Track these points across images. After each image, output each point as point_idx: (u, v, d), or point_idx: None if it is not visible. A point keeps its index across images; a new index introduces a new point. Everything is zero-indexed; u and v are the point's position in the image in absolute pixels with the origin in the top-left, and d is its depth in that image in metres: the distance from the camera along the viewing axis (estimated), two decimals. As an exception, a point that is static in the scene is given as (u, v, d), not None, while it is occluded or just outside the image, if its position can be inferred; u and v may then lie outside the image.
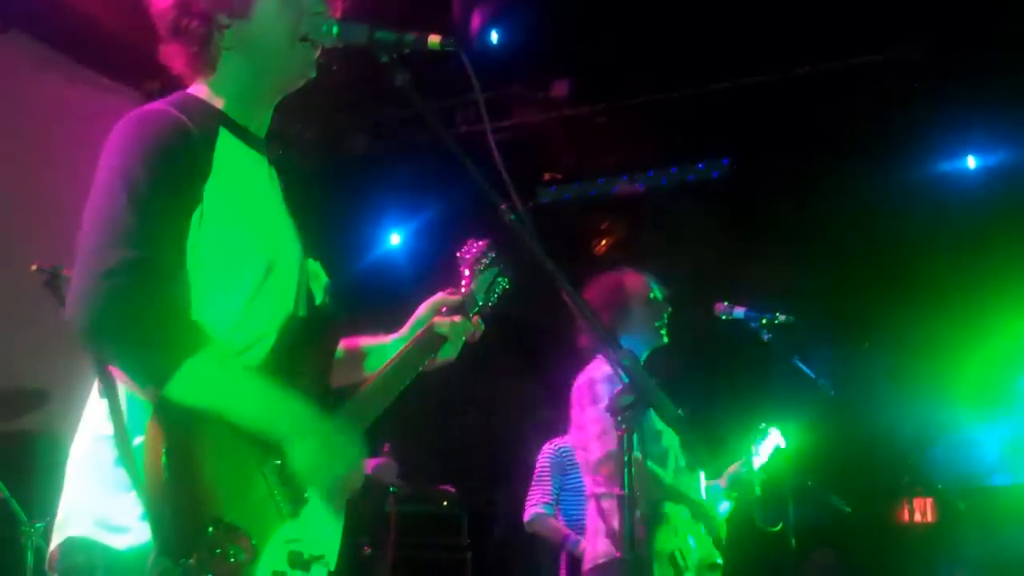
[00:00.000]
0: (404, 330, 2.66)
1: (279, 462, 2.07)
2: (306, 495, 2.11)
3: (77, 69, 6.46)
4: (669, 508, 4.22)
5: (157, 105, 2.21)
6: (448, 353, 2.63)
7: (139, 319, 1.94)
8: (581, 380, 4.41)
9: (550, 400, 6.95)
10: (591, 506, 4.36)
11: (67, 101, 6.28)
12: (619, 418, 2.32)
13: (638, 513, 4.12)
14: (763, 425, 4.88)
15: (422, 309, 2.68)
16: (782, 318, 4.69)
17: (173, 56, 2.33)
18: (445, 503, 6.65)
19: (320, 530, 2.15)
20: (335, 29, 2.27)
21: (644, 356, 4.44)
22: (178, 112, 2.17)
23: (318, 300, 2.37)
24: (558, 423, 6.18)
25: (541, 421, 7.14)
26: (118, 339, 1.95)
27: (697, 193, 7.53)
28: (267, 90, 2.36)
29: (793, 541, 4.78)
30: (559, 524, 5.80)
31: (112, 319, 1.93)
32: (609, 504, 4.23)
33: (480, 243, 2.80)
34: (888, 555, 6.70)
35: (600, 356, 4.42)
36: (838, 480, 5.67)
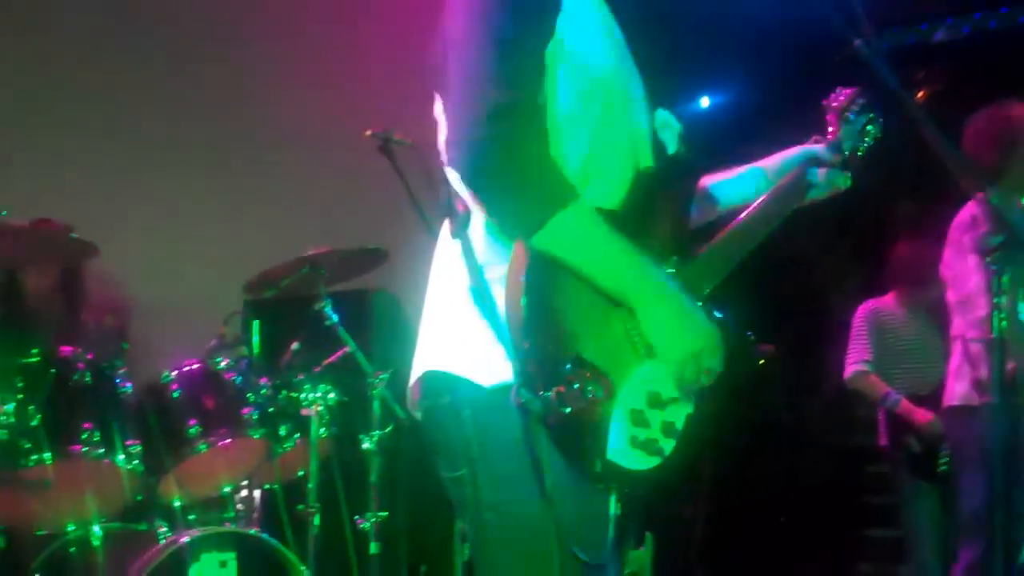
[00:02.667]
0: (765, 163, 2.60)
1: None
2: None
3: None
4: None
5: None
6: (815, 196, 2.55)
7: (515, 167, 1.95)
8: (963, 216, 4.23)
9: (867, 260, 6.77)
10: (957, 347, 4.24)
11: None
12: (988, 259, 2.20)
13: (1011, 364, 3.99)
14: None
15: (791, 153, 2.60)
16: None
17: None
18: (763, 361, 6.60)
19: None
20: None
21: None
22: None
23: (671, 149, 2.31)
24: (875, 284, 6.05)
25: (858, 281, 6.96)
26: (494, 186, 1.97)
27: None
28: None
29: None
30: (879, 381, 5.70)
31: (489, 166, 1.95)
32: (978, 349, 4.09)
33: (848, 90, 2.66)
34: None
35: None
36: None
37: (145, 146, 5.61)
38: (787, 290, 7.17)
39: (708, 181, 2.60)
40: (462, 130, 1.98)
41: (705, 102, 7.98)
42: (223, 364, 4.29)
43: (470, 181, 1.99)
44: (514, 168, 1.95)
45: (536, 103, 2.02)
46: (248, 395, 4.27)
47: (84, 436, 3.82)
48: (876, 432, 5.78)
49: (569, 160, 2.10)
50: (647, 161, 2.25)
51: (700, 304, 2.15)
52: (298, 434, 4.39)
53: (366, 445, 4.52)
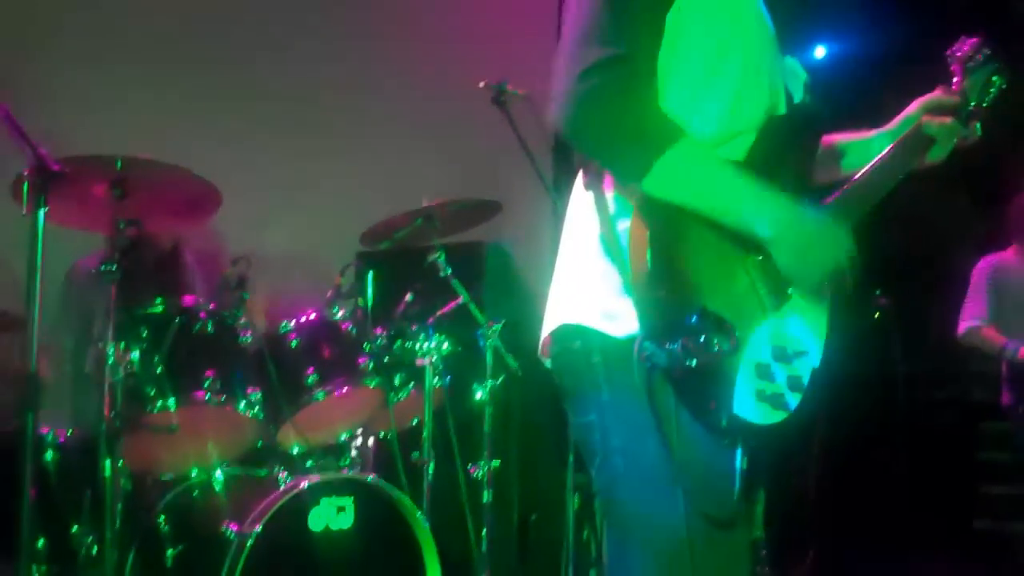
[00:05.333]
0: (890, 126, 2.53)
1: (761, 257, 2.06)
2: (789, 291, 2.09)
3: None
4: None
5: None
6: (936, 155, 2.48)
7: (614, 115, 1.96)
8: None
9: (986, 215, 6.60)
10: None
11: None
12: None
13: None
14: None
15: (912, 108, 2.52)
16: None
17: None
18: (877, 315, 6.50)
19: (804, 325, 2.12)
20: None
21: None
22: None
23: (797, 98, 2.28)
24: (994, 238, 5.90)
25: (976, 235, 6.80)
26: (595, 137, 1.99)
27: None
28: None
29: None
30: (995, 333, 5.57)
31: (588, 118, 1.96)
32: None
33: (972, 40, 2.57)
34: None
35: None
36: None
37: (261, 98, 5.68)
38: (903, 243, 7.04)
39: (837, 140, 2.56)
40: (561, 86, 2.00)
41: (820, 52, 7.72)
42: (340, 314, 4.35)
43: (568, 136, 2.01)
44: (609, 119, 1.96)
45: (644, 58, 2.01)
46: (364, 345, 4.32)
47: (207, 384, 3.92)
48: (992, 388, 5.67)
49: (698, 109, 2.09)
50: (781, 109, 2.23)
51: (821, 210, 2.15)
52: (412, 384, 4.44)
53: (479, 395, 4.57)
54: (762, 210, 2.03)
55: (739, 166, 2.07)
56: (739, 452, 2.03)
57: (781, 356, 2.04)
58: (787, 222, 2.04)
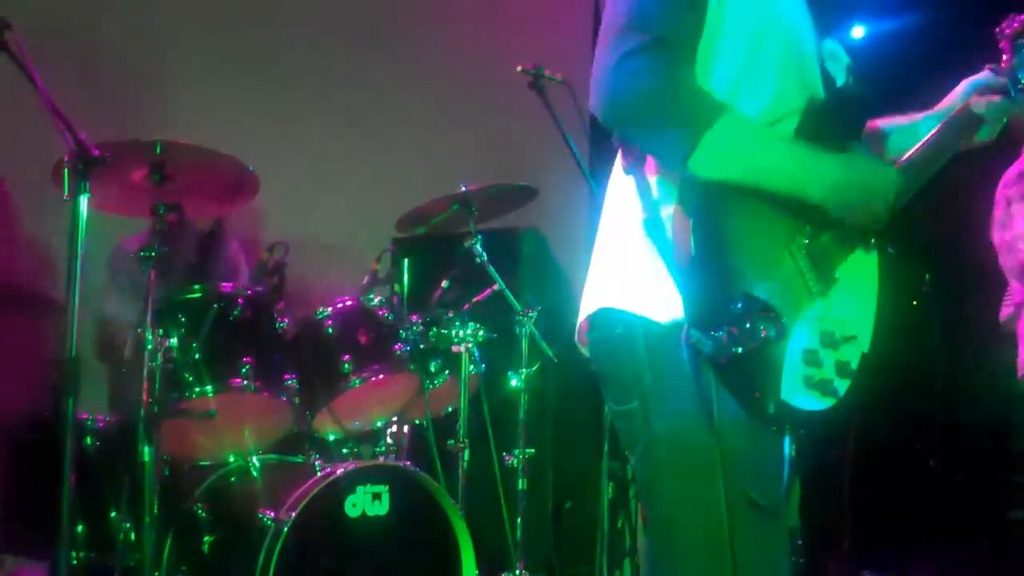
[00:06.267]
0: (938, 108, 2.51)
1: (807, 241, 2.05)
2: (836, 274, 2.08)
3: None
4: None
5: None
6: (985, 135, 2.45)
7: (655, 97, 1.94)
8: (1011, 172, 4.05)
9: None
10: (1022, 315, 4.08)
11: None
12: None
13: None
14: None
15: (959, 88, 2.51)
16: None
17: None
18: (915, 303, 6.44)
19: (852, 310, 2.10)
20: None
21: None
22: None
23: (839, 81, 2.25)
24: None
25: None
26: (636, 121, 1.98)
27: None
28: None
29: None
30: (1037, 323, 5.49)
31: (628, 102, 1.95)
32: None
33: (1021, 17, 2.52)
34: None
35: None
36: None
37: (298, 85, 5.68)
38: (943, 228, 6.96)
39: (884, 123, 2.53)
40: (600, 72, 1.99)
41: (858, 32, 7.59)
42: (376, 301, 4.34)
43: (608, 121, 2.00)
44: (651, 100, 1.95)
45: (684, 44, 2.00)
46: (400, 332, 4.30)
47: (244, 370, 3.91)
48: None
49: (742, 93, 2.07)
50: (819, 93, 2.20)
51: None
52: (448, 371, 4.43)
53: (514, 382, 4.55)
54: (812, 173, 2.01)
55: (788, 140, 2.05)
56: (787, 440, 2.02)
57: (829, 342, 2.02)
58: (836, 183, 2.02)
